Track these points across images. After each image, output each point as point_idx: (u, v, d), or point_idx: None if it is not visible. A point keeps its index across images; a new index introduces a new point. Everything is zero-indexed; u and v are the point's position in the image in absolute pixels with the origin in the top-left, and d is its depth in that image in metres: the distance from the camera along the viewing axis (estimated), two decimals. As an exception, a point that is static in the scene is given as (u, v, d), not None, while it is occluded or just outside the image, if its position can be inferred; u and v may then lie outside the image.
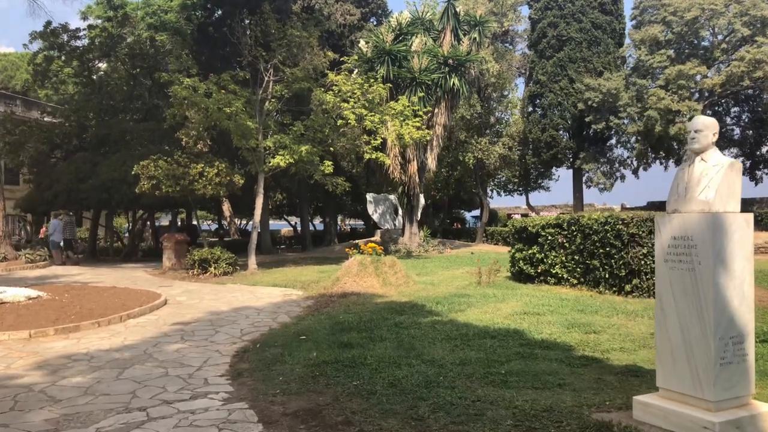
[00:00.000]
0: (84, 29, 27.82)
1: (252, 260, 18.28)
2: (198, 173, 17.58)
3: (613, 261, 11.41)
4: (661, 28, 25.79)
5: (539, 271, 13.30)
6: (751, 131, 29.59)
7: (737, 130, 30.46)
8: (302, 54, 19.85)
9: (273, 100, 19.15)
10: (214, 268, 16.87)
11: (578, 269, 12.35)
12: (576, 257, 12.35)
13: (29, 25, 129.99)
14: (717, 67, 25.91)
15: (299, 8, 26.77)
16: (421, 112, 20.88)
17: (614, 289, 11.51)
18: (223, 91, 17.82)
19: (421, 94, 22.78)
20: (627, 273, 11.22)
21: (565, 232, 12.60)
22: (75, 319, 9.35)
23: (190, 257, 17.40)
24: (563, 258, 12.69)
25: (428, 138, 21.18)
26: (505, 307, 10.31)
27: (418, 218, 27.11)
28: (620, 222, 11.24)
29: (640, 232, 10.95)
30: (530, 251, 13.47)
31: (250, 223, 20.55)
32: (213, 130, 20.11)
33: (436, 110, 24.56)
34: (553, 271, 12.90)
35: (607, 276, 11.61)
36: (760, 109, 28.86)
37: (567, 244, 12.58)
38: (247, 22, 21.05)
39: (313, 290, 13.20)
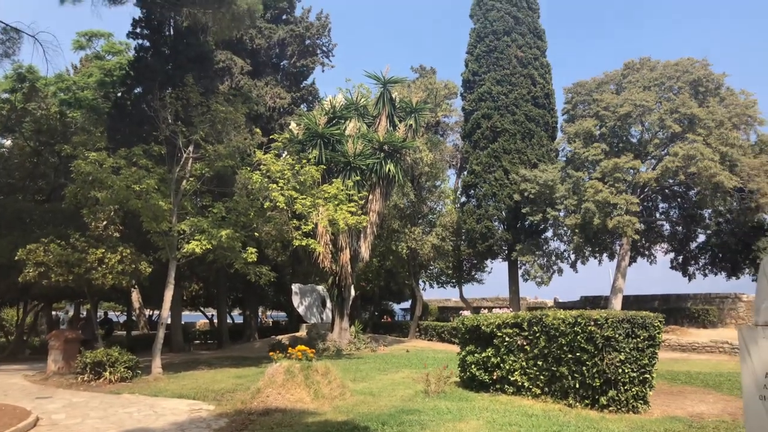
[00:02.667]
0: (-17, 100, 25.30)
1: (157, 363, 15.59)
2: (97, 259, 15.12)
3: (584, 368, 9.81)
4: (594, 122, 25.85)
5: (494, 377, 11.56)
6: (680, 227, 29.72)
7: (666, 226, 30.60)
8: (227, 131, 18.13)
9: (192, 179, 17.16)
10: (110, 372, 14.10)
11: (542, 377, 10.68)
12: (539, 363, 10.70)
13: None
14: (650, 162, 26.02)
15: (226, 88, 25.37)
16: (356, 197, 19.38)
17: (587, 401, 9.85)
18: (134, 168, 15.78)
19: (357, 179, 21.39)
20: (602, 383, 9.62)
21: (526, 333, 10.99)
22: None
23: (81, 359, 14.57)
24: (523, 363, 11.02)
25: (364, 224, 19.58)
26: (467, 428, 8.42)
27: (349, 312, 25.06)
28: (592, 322, 9.74)
29: (617, 335, 9.47)
30: (484, 354, 11.74)
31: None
32: (121, 211, 17.81)
33: (371, 196, 23.19)
34: (512, 379, 11.18)
35: (577, 386, 9.96)
36: (687, 205, 29.15)
37: (528, 347, 10.95)
38: (168, 99, 19.20)
39: (228, 404, 10.82)
